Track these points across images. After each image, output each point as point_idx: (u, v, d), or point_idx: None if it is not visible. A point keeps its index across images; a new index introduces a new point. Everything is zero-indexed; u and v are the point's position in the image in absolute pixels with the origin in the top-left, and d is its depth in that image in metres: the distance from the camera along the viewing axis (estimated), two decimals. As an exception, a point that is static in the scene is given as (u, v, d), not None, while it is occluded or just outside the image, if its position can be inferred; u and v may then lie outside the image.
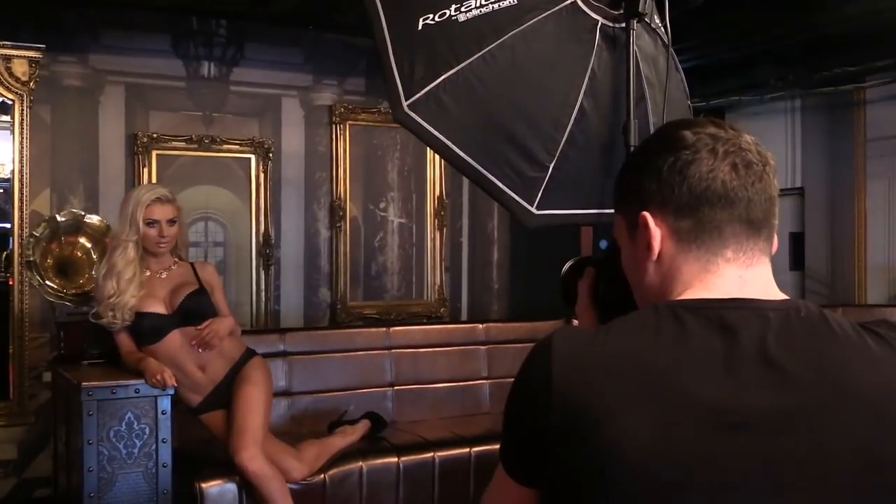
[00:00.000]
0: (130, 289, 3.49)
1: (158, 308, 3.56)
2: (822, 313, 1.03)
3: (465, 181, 5.50)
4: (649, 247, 1.09)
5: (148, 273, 3.61)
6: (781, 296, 1.07)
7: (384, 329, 4.80)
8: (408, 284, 5.70)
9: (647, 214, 1.09)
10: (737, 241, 1.06)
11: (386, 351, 4.68)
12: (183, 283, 3.64)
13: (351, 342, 4.64)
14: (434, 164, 5.69)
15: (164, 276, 3.63)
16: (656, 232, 1.08)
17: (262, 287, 5.26)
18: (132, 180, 4.88)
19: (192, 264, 3.77)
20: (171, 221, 3.59)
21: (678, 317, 1.01)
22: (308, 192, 5.43)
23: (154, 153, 5.01)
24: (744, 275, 1.06)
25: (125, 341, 3.58)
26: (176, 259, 3.72)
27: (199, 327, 3.56)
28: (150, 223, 3.54)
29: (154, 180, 4.90)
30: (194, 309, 3.59)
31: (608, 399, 0.96)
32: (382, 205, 5.62)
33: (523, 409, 1.02)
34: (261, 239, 5.26)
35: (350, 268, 5.50)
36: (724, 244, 1.06)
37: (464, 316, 5.85)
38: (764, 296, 1.05)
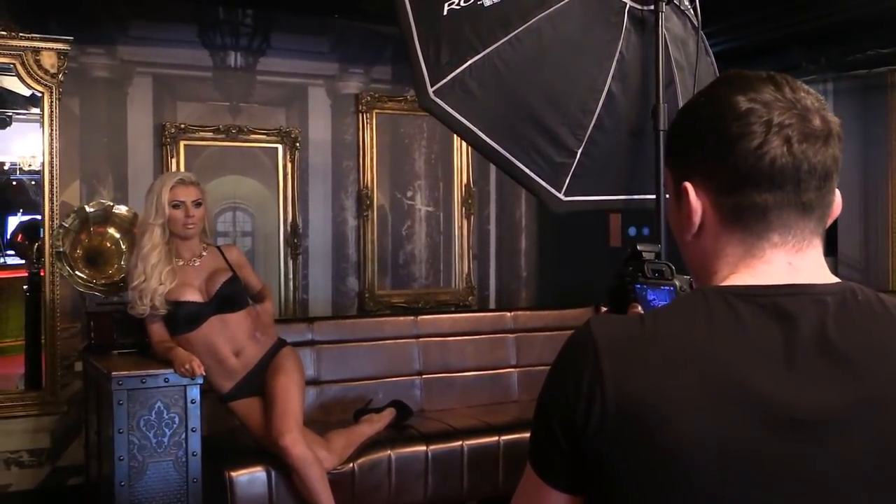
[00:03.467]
0: (156, 274, 3.52)
1: (195, 296, 3.61)
2: (878, 297, 0.98)
3: (493, 168, 5.45)
4: (690, 219, 1.02)
5: (181, 262, 3.65)
6: (834, 279, 1.01)
7: (412, 317, 4.80)
8: (435, 273, 5.68)
9: (689, 186, 1.01)
10: (784, 224, 0.98)
11: (414, 339, 4.68)
12: (216, 271, 3.69)
13: (379, 331, 4.65)
14: (461, 152, 5.64)
15: (197, 264, 3.68)
16: (697, 206, 1.01)
17: (290, 276, 5.25)
18: (160, 171, 4.85)
19: (219, 248, 3.82)
20: (197, 203, 3.64)
21: (730, 304, 0.95)
22: (335, 180, 5.42)
23: (182, 144, 5.00)
24: (793, 261, 0.99)
25: (157, 330, 3.62)
26: (205, 245, 3.76)
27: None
28: (176, 205, 3.58)
29: (182, 170, 4.88)
30: (231, 296, 3.66)
31: (668, 394, 0.90)
32: (410, 193, 5.59)
33: (568, 408, 0.93)
34: (288, 228, 5.24)
35: (378, 256, 5.47)
36: (770, 228, 0.98)
37: (492, 304, 5.81)
38: (816, 280, 0.99)
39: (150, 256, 3.53)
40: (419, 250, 5.62)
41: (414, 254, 5.62)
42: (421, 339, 4.70)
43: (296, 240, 5.26)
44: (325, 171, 5.40)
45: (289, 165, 5.25)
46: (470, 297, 5.73)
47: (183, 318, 3.59)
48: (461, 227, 5.71)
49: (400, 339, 4.65)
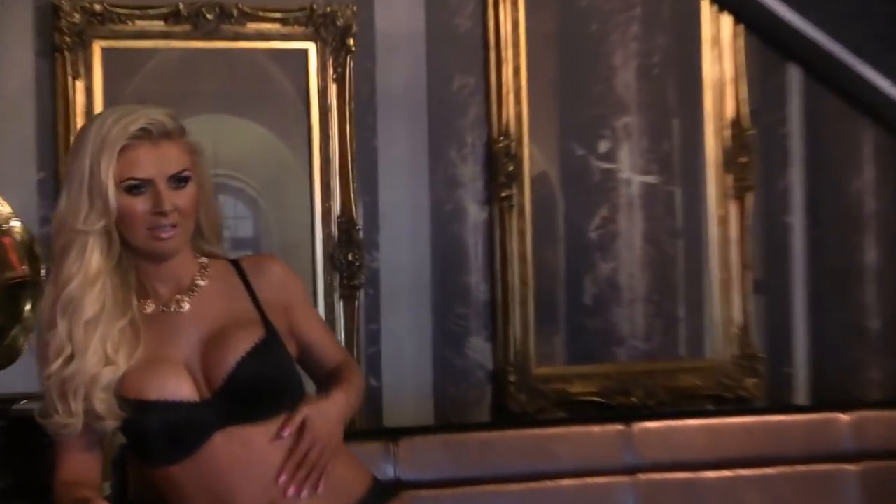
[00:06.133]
0: (96, 339, 3.22)
1: (181, 388, 3.29)
2: None
3: (795, 83, 5.47)
4: None
5: (150, 308, 3.35)
6: None
7: (619, 426, 4.78)
8: (667, 323, 5.60)
9: None
10: None
11: (626, 477, 4.67)
12: (229, 324, 3.36)
13: (545, 457, 4.63)
14: (721, 48, 5.55)
15: (185, 307, 3.36)
16: None
17: (343, 333, 5.20)
18: (51, 109, 5.00)
19: (236, 265, 3.49)
20: (180, 179, 3.26)
21: None
22: (435, 123, 5.38)
23: (97, 46, 5.04)
24: None
25: (71, 459, 3.37)
26: (203, 263, 3.43)
27: (284, 432, 3.35)
28: (134, 187, 3.21)
29: (100, 105, 4.96)
30: (258, 385, 3.33)
31: None
32: (605, 146, 5.48)
33: None
34: (334, 230, 5.18)
35: (537, 288, 5.33)
36: None
37: (799, 395, 5.72)
38: None
39: (83, 305, 3.24)
40: (629, 274, 5.54)
41: (617, 282, 5.55)
42: (641, 476, 4.67)
43: (352, 255, 5.13)
44: (416, 103, 5.38)
45: (332, 90, 5.19)
46: (749, 380, 5.55)
47: (158, 436, 3.27)
48: (723, 220, 5.63)
49: (594, 475, 4.64)
